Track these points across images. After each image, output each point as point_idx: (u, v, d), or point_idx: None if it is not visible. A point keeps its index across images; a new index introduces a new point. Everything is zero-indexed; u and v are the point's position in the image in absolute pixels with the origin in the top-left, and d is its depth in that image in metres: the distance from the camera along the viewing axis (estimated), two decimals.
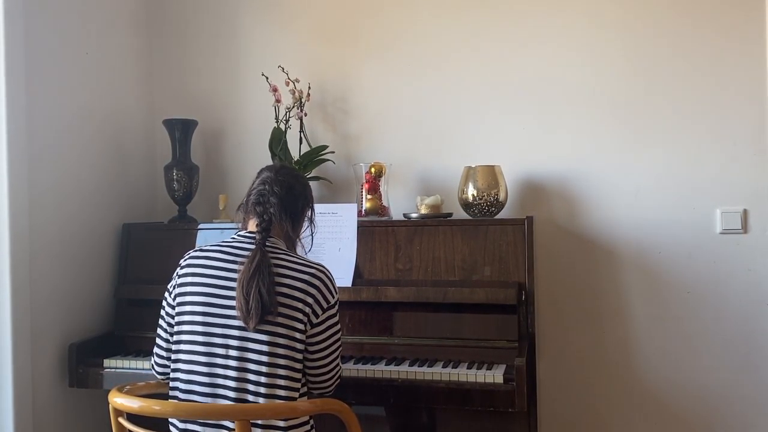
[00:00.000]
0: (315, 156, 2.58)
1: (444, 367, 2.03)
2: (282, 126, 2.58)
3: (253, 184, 1.79)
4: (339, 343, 1.73)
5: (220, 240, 1.79)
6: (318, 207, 2.37)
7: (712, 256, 2.42)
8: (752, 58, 2.38)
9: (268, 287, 1.57)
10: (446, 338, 2.14)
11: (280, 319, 1.59)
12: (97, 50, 2.55)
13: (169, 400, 1.66)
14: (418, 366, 2.04)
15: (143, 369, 2.23)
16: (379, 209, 2.47)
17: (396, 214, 2.52)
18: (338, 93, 2.71)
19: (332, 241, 2.32)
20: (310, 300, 1.63)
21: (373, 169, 2.48)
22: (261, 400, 1.56)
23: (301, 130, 2.62)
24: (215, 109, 2.80)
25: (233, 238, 1.74)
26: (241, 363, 1.58)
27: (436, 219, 2.36)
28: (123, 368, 2.26)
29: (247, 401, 1.57)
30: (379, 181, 2.49)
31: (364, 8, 2.70)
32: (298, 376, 1.63)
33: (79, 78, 2.46)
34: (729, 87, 2.41)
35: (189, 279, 1.68)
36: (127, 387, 1.70)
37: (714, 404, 2.41)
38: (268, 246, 1.67)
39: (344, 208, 2.35)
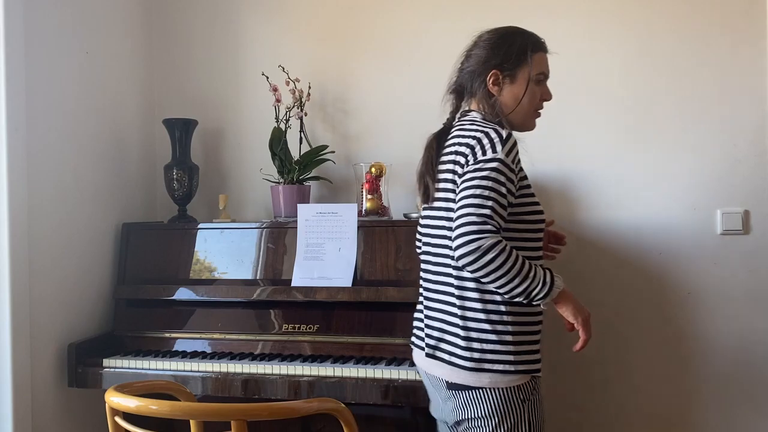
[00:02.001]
0: (315, 156, 2.57)
1: None
2: (282, 126, 2.58)
3: None
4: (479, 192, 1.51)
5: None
6: (318, 207, 2.39)
7: (712, 257, 2.41)
8: (753, 58, 2.38)
9: None
10: None
11: None
12: (98, 49, 2.55)
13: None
14: None
15: (143, 369, 2.22)
16: (380, 209, 2.46)
17: (396, 214, 2.51)
18: (338, 93, 2.71)
19: (332, 241, 2.31)
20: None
21: (373, 169, 2.47)
22: None
23: (302, 129, 2.62)
24: (215, 108, 2.80)
25: None
26: None
27: None
28: (122, 368, 2.25)
29: None
30: (379, 181, 2.49)
31: (365, 8, 2.69)
32: None
33: (78, 77, 2.45)
34: (730, 88, 2.40)
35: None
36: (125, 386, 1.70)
37: (714, 405, 2.41)
38: None
39: (345, 208, 2.35)
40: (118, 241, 2.58)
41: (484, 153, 1.54)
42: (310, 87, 2.63)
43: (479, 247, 1.45)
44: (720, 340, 2.40)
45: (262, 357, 2.21)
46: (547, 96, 1.70)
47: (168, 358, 2.27)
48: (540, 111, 1.71)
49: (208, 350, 2.32)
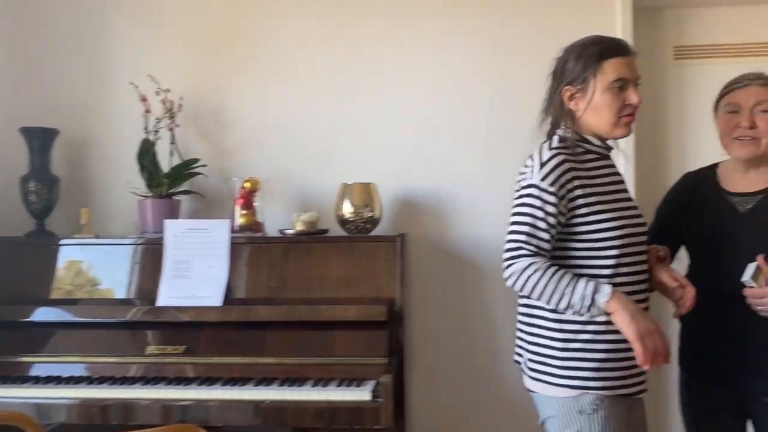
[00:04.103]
0: (186, 169, 2.49)
1: (314, 385, 2.02)
2: (151, 137, 2.48)
3: None
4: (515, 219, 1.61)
5: None
6: (188, 223, 2.33)
7: None
8: None
9: None
10: (318, 356, 2.13)
11: None
12: None
13: None
14: (288, 386, 2.02)
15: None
16: (254, 225, 2.42)
17: (271, 230, 2.48)
18: (213, 105, 2.65)
19: (202, 258, 2.25)
20: None
21: (247, 184, 2.43)
22: None
23: (172, 141, 2.53)
24: (79, 117, 2.65)
25: None
26: None
27: (312, 236, 2.35)
28: None
29: None
30: (253, 196, 2.45)
31: (241, 20, 2.65)
32: None
33: None
34: None
35: None
36: None
37: None
38: None
39: (215, 224, 2.29)
40: None
41: (524, 180, 1.62)
42: (182, 98, 2.55)
43: (513, 272, 1.56)
44: None
45: (125, 381, 2.10)
46: (631, 100, 1.62)
47: (21, 384, 2.11)
48: (628, 117, 1.64)
49: (69, 375, 2.17)
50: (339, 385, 2.01)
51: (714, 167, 1.94)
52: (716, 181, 1.88)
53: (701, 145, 2.69)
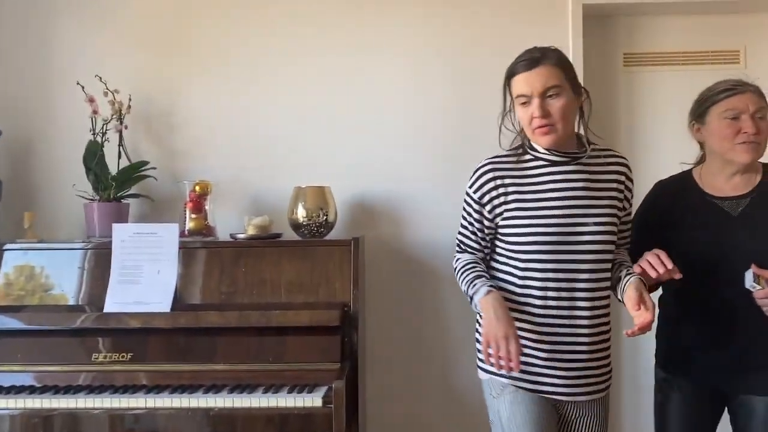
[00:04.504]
0: (134, 172, 2.44)
1: (265, 392, 1.99)
2: (99, 139, 2.42)
3: None
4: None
5: None
6: (136, 227, 2.27)
7: None
8: None
9: None
10: (270, 362, 2.10)
11: None
12: None
13: None
14: (238, 393, 1.98)
15: None
16: (204, 229, 2.38)
17: (223, 234, 2.44)
18: (164, 107, 2.59)
19: (150, 263, 2.20)
20: None
21: (197, 188, 2.39)
22: None
23: (120, 143, 2.47)
24: (22, 117, 2.57)
25: None
26: None
27: (264, 240, 2.32)
28: None
29: None
30: (204, 200, 2.40)
31: (192, 19, 2.61)
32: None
33: None
34: None
35: None
36: None
37: None
38: None
39: (164, 228, 2.24)
40: None
41: None
42: (131, 99, 2.49)
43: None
44: None
45: (68, 390, 2.04)
46: (534, 113, 1.62)
47: None
48: (538, 128, 1.63)
49: (13, 384, 2.10)
50: (290, 392, 1.98)
51: (688, 174, 1.95)
52: (698, 187, 1.89)
53: (650, 150, 2.75)
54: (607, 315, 1.72)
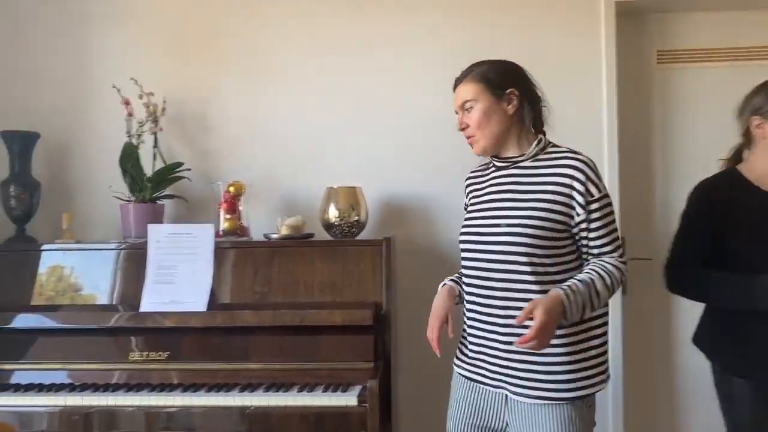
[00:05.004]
0: (169, 173, 2.47)
1: (300, 391, 2.00)
2: (134, 141, 2.45)
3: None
4: None
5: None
6: (171, 227, 2.29)
7: None
8: (588, 89, 2.57)
9: None
10: (304, 362, 2.10)
11: None
12: None
13: None
14: (273, 391, 1.99)
15: None
16: (238, 230, 2.40)
17: (256, 234, 2.46)
18: (198, 108, 2.62)
19: (186, 263, 2.22)
20: None
21: (231, 189, 2.41)
22: None
23: (155, 145, 2.51)
24: (60, 121, 2.62)
25: None
26: None
27: (297, 240, 2.34)
28: None
29: None
30: (238, 200, 2.43)
31: (226, 23, 2.64)
32: None
33: None
34: (567, 117, 2.57)
35: None
36: None
37: None
38: None
39: (199, 228, 2.26)
40: None
41: None
42: (165, 101, 2.53)
43: None
44: None
45: (109, 387, 2.07)
46: (458, 128, 1.77)
47: (1, 392, 2.07)
48: (467, 140, 1.75)
49: (51, 382, 2.14)
50: (325, 391, 1.99)
51: (732, 171, 1.93)
52: (751, 184, 1.88)
53: (686, 148, 2.71)
54: (592, 319, 1.65)
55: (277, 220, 2.42)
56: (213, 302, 2.19)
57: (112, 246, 2.31)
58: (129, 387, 2.07)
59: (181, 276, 2.21)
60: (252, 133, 2.62)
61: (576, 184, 1.60)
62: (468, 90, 1.71)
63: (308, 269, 2.25)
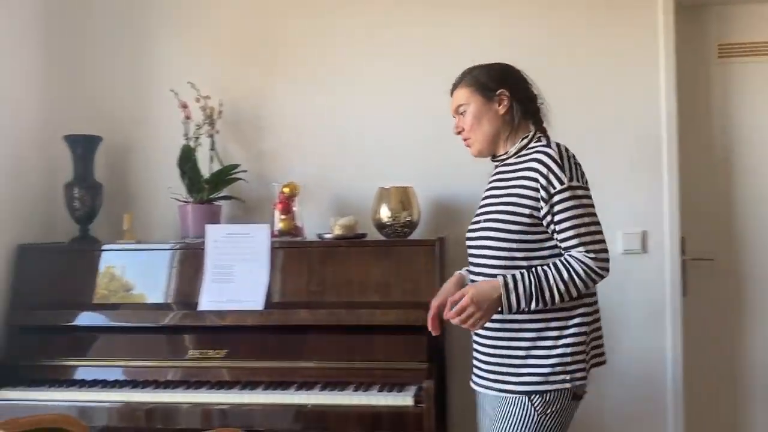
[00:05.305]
0: (226, 175, 2.52)
1: (355, 390, 2.01)
2: (192, 143, 2.51)
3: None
4: None
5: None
6: (229, 227, 2.34)
7: (614, 275, 2.51)
8: (647, 85, 2.51)
9: None
10: (358, 361, 2.12)
11: None
12: None
13: None
14: (329, 390, 2.01)
15: (39, 400, 2.10)
16: (293, 230, 2.43)
17: (310, 234, 2.48)
18: (252, 110, 2.67)
19: (243, 263, 2.26)
20: None
21: (286, 189, 2.44)
22: None
23: (212, 148, 2.56)
24: (121, 124, 2.69)
25: None
26: None
27: (350, 240, 2.35)
28: (15, 399, 2.11)
29: None
30: (292, 201, 2.46)
31: (278, 25, 2.67)
32: None
33: None
34: (628, 115, 2.53)
35: None
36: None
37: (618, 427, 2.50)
38: None
39: (256, 229, 2.30)
40: (14, 263, 2.42)
41: None
42: (221, 104, 2.58)
43: None
44: (621, 355, 2.50)
45: (168, 384, 2.12)
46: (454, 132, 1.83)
47: (66, 387, 2.15)
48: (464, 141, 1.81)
49: (111, 378, 2.21)
50: (380, 390, 2.00)
51: None
52: None
53: (748, 144, 2.62)
54: (538, 315, 1.63)
55: (330, 220, 2.44)
56: (269, 301, 2.22)
57: (169, 246, 2.37)
58: (188, 384, 2.12)
59: (239, 275, 2.25)
60: (305, 134, 2.64)
61: (540, 177, 1.61)
62: (461, 94, 1.76)
63: (361, 269, 2.26)
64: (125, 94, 2.71)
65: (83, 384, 2.18)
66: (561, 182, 1.59)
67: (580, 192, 1.60)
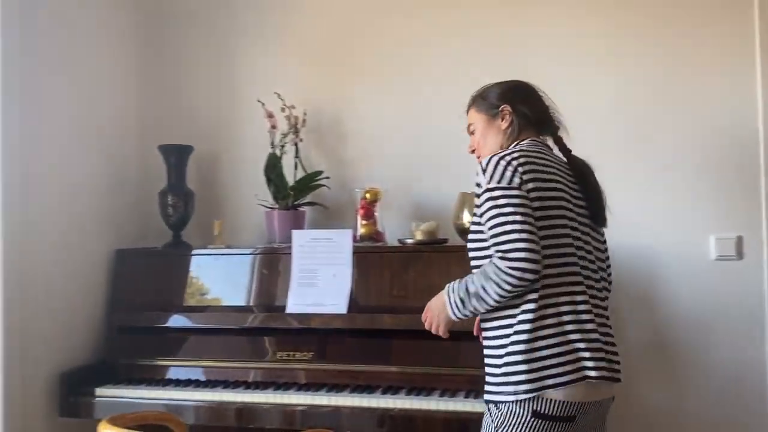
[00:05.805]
0: (310, 181, 2.57)
1: (441, 396, 2.01)
2: (277, 152, 2.58)
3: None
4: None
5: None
6: (312, 233, 2.39)
7: (706, 282, 2.42)
8: (743, 86, 2.41)
9: None
10: (443, 366, 2.12)
11: None
12: (92, 76, 2.56)
13: None
14: (415, 395, 2.02)
15: (136, 398, 2.21)
16: (374, 235, 2.46)
17: (391, 239, 2.51)
18: (333, 118, 2.72)
19: (327, 267, 2.31)
20: None
21: (368, 195, 2.48)
22: None
23: (297, 155, 2.63)
24: (211, 134, 2.80)
25: None
26: None
27: (431, 245, 2.36)
28: (115, 397, 2.23)
29: None
30: (374, 206, 2.49)
31: (359, 33, 2.72)
32: None
33: (74, 103, 2.46)
34: (723, 119, 2.43)
35: None
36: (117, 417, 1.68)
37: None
38: None
39: (339, 234, 2.35)
40: (112, 267, 2.56)
41: None
42: (305, 113, 2.64)
43: None
44: (713, 365, 2.40)
45: (257, 385, 2.19)
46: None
47: (161, 386, 2.25)
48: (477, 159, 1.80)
49: (202, 378, 2.30)
50: (466, 396, 1.99)
51: None
52: None
53: None
54: (488, 321, 1.63)
55: (412, 225, 2.45)
56: (352, 305, 2.25)
57: (258, 250, 2.44)
58: (276, 385, 2.18)
59: (323, 279, 2.29)
60: (386, 140, 2.67)
61: (476, 188, 1.64)
62: (470, 115, 1.87)
63: (443, 274, 2.25)
64: (215, 105, 2.82)
65: (177, 383, 2.28)
66: (480, 187, 1.62)
67: (497, 193, 1.57)
